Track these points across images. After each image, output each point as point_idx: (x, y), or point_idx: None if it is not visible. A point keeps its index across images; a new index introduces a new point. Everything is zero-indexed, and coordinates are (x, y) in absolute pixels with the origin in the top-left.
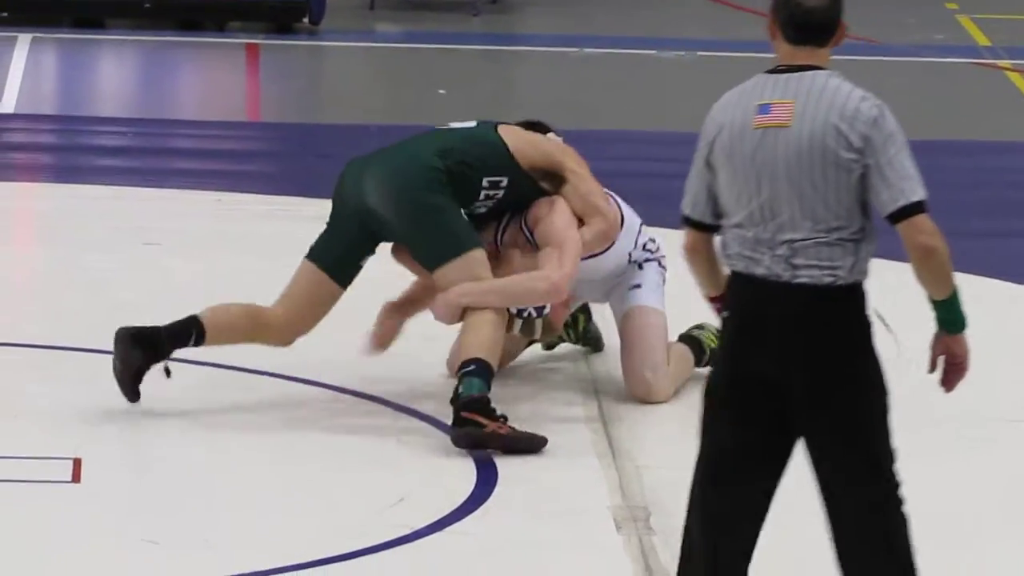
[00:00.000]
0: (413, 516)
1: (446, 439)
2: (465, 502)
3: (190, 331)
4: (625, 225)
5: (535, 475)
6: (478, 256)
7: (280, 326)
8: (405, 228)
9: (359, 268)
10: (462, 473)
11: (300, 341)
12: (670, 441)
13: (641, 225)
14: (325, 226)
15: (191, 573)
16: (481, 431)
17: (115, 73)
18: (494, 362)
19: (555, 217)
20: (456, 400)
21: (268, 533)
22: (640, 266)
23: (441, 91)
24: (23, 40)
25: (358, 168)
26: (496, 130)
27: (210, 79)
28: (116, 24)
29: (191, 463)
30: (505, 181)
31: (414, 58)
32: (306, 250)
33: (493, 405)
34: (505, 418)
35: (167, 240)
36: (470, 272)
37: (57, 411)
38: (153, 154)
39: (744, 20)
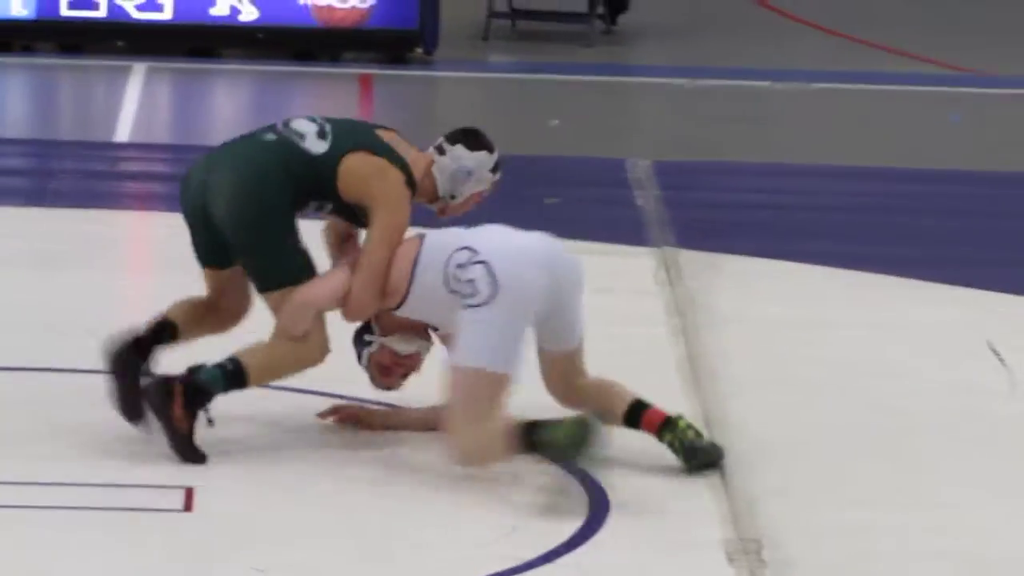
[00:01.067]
0: (523, 548)
1: (557, 469)
2: (576, 533)
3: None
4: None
5: (647, 506)
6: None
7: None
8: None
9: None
10: (573, 503)
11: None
12: (782, 472)
13: (456, 251)
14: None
15: None
16: (168, 408)
17: (228, 103)
18: (256, 378)
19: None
20: (191, 370)
21: (378, 563)
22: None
23: (554, 122)
24: (138, 70)
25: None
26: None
27: (323, 109)
28: (230, 54)
29: (301, 492)
30: (330, 206)
31: (527, 88)
32: None
33: (210, 411)
34: (209, 421)
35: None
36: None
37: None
38: None
39: (860, 52)
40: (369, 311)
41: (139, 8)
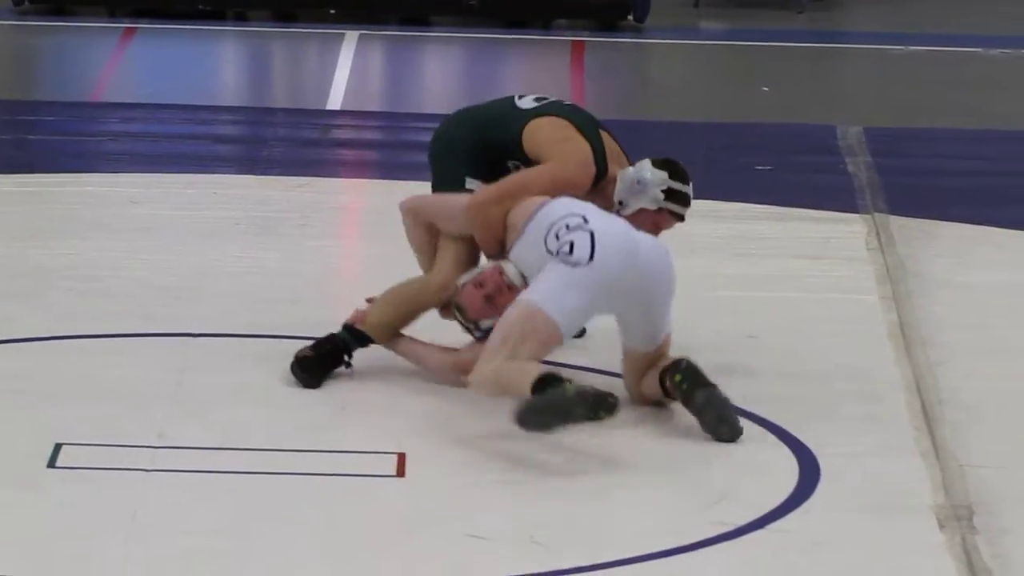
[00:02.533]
0: (735, 513)
1: (769, 435)
2: (788, 499)
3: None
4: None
5: (858, 472)
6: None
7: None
8: None
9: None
10: (785, 469)
11: None
12: (995, 440)
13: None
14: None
15: (517, 568)
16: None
17: (441, 70)
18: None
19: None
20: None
21: (591, 529)
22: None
23: (764, 88)
24: (350, 38)
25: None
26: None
27: (535, 77)
28: (442, 22)
29: (514, 458)
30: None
31: (738, 55)
32: None
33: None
34: (348, 364)
35: None
36: None
37: (382, 405)
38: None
39: None
40: (483, 217)
41: None
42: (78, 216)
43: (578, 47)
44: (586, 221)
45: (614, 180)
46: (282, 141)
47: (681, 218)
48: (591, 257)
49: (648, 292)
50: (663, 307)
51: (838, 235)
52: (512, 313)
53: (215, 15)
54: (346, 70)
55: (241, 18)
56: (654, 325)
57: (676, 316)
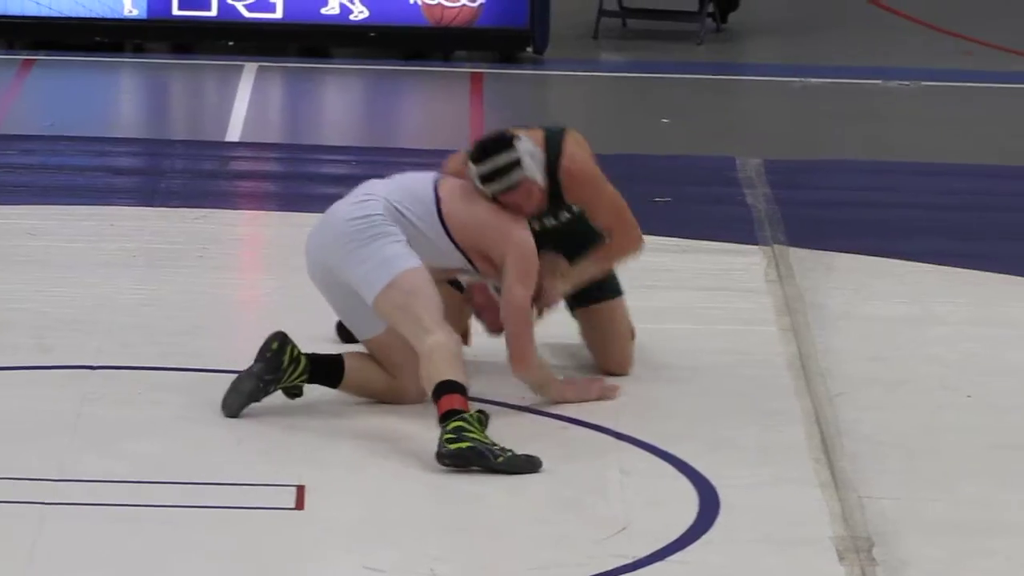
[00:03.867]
0: (636, 545)
1: (668, 466)
2: (688, 530)
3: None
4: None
5: (758, 503)
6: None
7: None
8: None
9: None
10: (684, 500)
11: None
12: (894, 472)
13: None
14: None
15: None
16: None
17: (340, 102)
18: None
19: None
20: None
21: (490, 562)
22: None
23: (664, 120)
24: (249, 69)
25: None
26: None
27: (434, 108)
28: (341, 53)
29: (414, 490)
30: None
31: (637, 87)
32: None
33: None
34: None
35: None
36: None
37: (281, 438)
38: None
39: (970, 50)
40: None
41: (250, 8)
42: None
43: (477, 79)
44: None
45: None
46: (180, 173)
47: None
48: None
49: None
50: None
51: (737, 267)
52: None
53: (113, 47)
54: (245, 102)
55: (139, 50)
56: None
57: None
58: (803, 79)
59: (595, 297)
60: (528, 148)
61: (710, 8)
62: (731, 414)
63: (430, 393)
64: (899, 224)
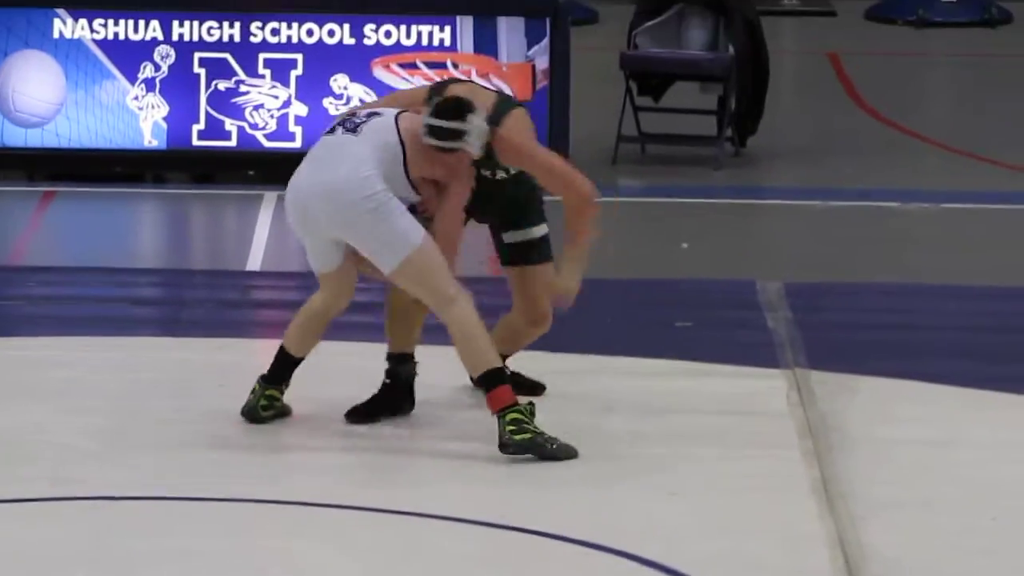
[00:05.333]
0: None
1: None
2: None
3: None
4: None
5: None
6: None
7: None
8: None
9: None
10: None
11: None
12: None
13: None
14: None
15: None
16: None
17: None
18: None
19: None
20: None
21: None
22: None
23: (684, 244)
24: (269, 198)
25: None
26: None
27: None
28: None
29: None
30: None
31: (657, 212)
32: None
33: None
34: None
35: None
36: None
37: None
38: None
39: (987, 171)
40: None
41: (269, 137)
42: None
43: None
44: None
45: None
46: (201, 303)
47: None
48: None
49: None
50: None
51: (759, 391)
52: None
53: (133, 178)
54: (265, 230)
55: (159, 180)
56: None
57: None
58: (822, 201)
59: (530, 260)
60: (478, 125)
61: (728, 132)
62: (755, 538)
63: (475, 376)
64: (923, 347)
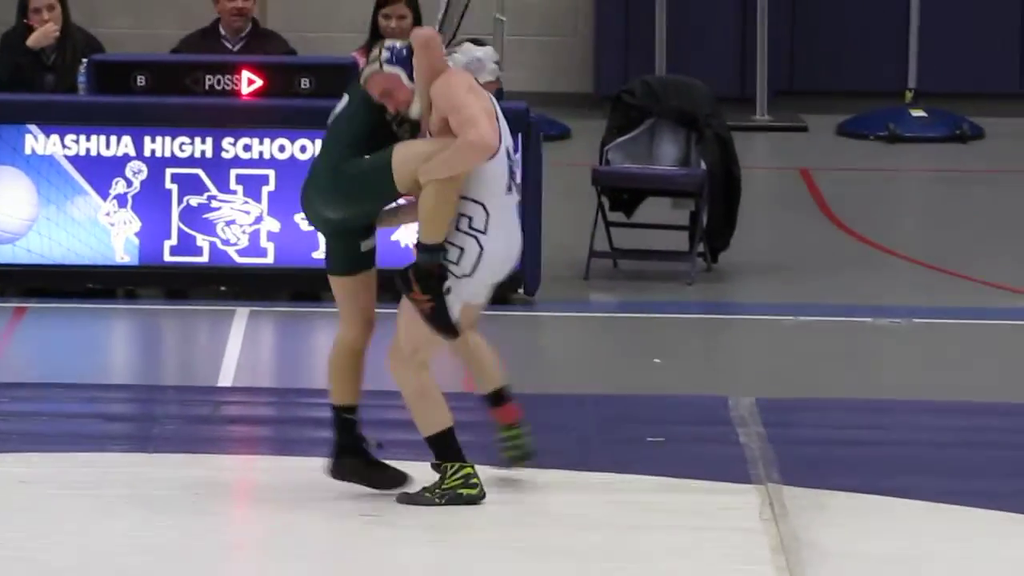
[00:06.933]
0: None
1: None
2: None
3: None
4: None
5: None
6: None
7: (361, 340)
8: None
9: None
10: None
11: None
12: None
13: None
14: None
15: None
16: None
17: (329, 344)
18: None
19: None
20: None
21: None
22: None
23: (656, 360)
24: (241, 314)
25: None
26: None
27: None
28: (332, 297)
29: None
30: None
31: (629, 327)
32: None
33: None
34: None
35: (386, 512)
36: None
37: None
38: (371, 425)
39: (959, 286)
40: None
41: (241, 253)
42: None
43: None
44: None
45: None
46: (173, 418)
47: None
48: (472, 272)
49: None
50: None
51: (731, 506)
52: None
53: (105, 293)
54: (237, 346)
55: (131, 296)
56: None
57: None
58: (794, 317)
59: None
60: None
61: (700, 248)
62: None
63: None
64: (895, 462)
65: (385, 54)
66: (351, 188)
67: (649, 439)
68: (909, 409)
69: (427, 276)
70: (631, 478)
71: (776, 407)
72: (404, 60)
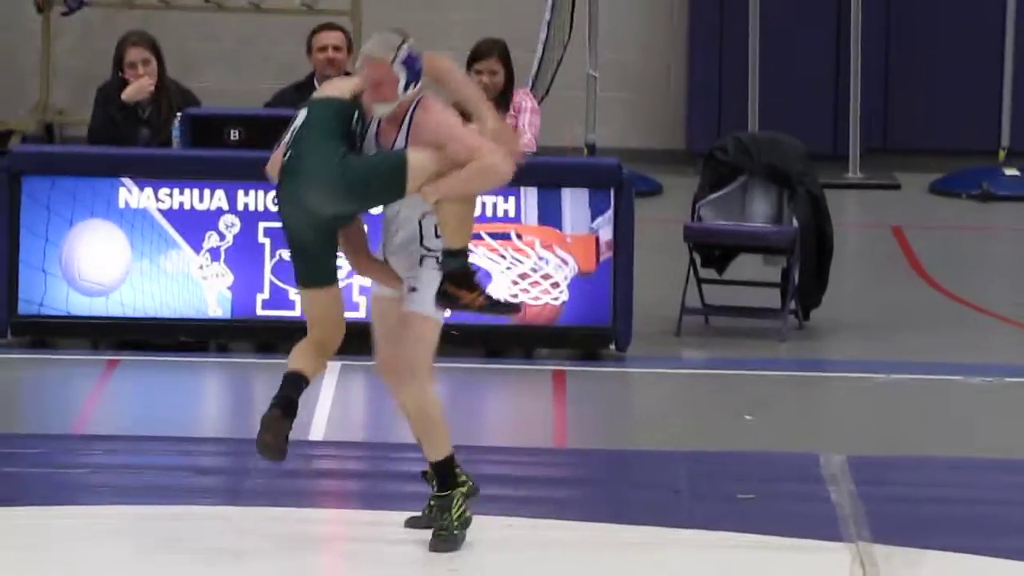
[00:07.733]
0: None
1: None
2: None
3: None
4: None
5: None
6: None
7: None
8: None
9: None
10: None
11: None
12: None
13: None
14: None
15: None
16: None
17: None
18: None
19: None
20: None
21: None
22: (420, 262)
23: (747, 416)
24: (332, 368)
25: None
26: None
27: (517, 405)
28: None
29: None
30: None
31: (720, 384)
32: None
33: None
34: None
35: (464, 569)
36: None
37: None
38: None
39: None
40: None
41: None
42: (57, 550)
43: (559, 376)
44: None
45: None
46: (264, 472)
47: None
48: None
49: None
50: None
51: (822, 564)
52: (421, 329)
53: (197, 347)
54: (328, 400)
55: (223, 350)
56: None
57: None
58: (886, 374)
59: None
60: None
61: (792, 305)
62: None
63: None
64: (988, 521)
65: (403, 54)
66: (359, 181)
67: (739, 496)
68: (1002, 468)
69: (464, 277)
70: (720, 535)
71: (867, 465)
72: (414, 72)
